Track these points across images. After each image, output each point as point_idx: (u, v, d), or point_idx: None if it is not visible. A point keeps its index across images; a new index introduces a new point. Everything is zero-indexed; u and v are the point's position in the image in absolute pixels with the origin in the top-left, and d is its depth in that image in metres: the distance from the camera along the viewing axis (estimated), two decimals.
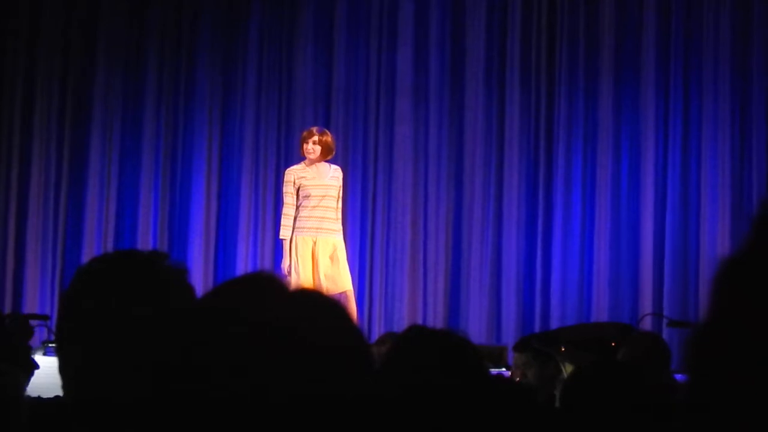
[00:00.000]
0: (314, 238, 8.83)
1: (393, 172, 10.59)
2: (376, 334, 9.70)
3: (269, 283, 1.44)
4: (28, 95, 10.79)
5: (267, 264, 10.48)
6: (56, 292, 10.48)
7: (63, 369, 1.82)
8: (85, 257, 10.41)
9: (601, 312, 9.96)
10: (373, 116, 10.67)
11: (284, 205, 8.97)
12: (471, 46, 10.55)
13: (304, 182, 8.90)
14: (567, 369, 5.42)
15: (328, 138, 9.01)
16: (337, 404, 1.36)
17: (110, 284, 1.82)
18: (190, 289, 1.83)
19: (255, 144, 10.77)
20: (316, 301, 1.43)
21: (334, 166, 9.07)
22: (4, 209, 10.73)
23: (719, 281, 1.29)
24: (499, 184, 10.42)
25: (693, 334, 1.31)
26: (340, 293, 8.63)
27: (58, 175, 10.77)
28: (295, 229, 8.85)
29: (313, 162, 8.96)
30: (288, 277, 8.70)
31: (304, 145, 8.98)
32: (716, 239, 9.89)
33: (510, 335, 9.85)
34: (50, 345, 8.39)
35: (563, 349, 5.60)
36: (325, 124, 10.39)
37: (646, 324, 9.11)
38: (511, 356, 6.63)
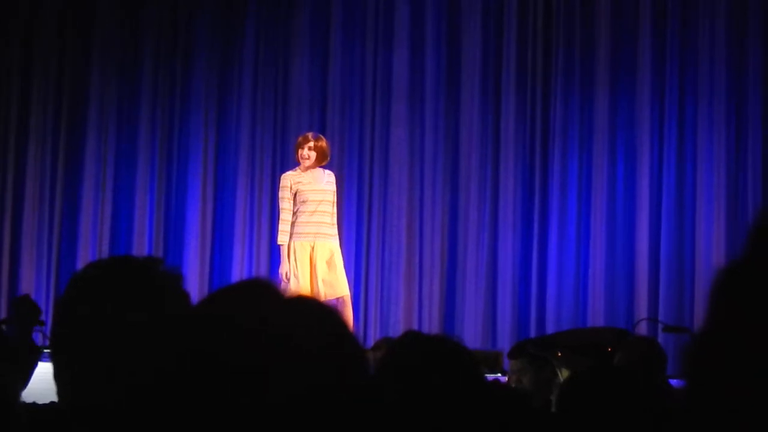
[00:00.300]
0: (312, 244, 8.82)
1: (388, 176, 10.58)
2: (371, 338, 9.70)
3: (265, 289, 1.44)
4: (23, 97, 10.78)
5: (263, 266, 10.48)
6: (51, 296, 10.46)
7: (58, 375, 1.82)
8: (81, 260, 10.40)
9: (596, 316, 9.96)
10: (369, 119, 10.66)
11: (281, 211, 8.94)
12: (467, 50, 10.54)
13: (301, 187, 8.89)
14: (563, 374, 5.41)
15: (323, 143, 9.00)
16: (333, 410, 1.35)
17: (105, 290, 1.82)
18: (185, 295, 1.83)
19: (251, 146, 10.76)
20: (311, 308, 1.43)
21: (327, 171, 9.06)
22: None
23: (717, 290, 1.29)
24: (494, 188, 10.41)
25: (691, 343, 1.31)
26: (338, 298, 8.62)
27: (53, 177, 10.76)
28: (293, 235, 8.83)
29: (308, 168, 8.93)
30: (286, 283, 8.70)
31: (300, 151, 8.95)
32: (712, 244, 9.88)
33: (506, 340, 9.84)
34: (45, 351, 8.38)
35: (559, 354, 5.59)
36: (321, 126, 10.39)
37: (642, 329, 9.11)
38: (507, 362, 6.63)
